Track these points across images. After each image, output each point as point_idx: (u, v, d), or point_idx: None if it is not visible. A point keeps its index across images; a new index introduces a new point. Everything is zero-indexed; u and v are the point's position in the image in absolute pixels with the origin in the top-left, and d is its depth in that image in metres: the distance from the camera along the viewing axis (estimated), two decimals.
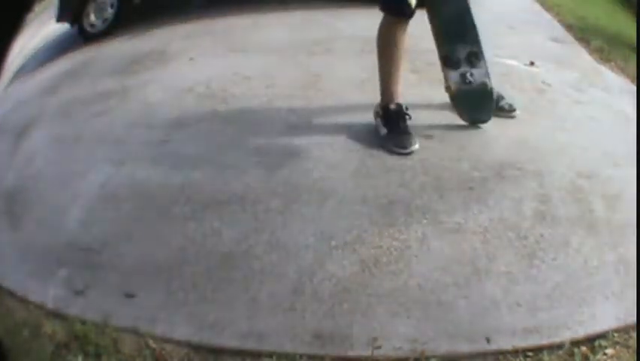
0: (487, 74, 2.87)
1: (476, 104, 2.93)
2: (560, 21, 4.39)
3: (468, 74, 2.87)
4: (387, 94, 2.88)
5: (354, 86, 3.21)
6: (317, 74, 3.35)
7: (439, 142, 2.83)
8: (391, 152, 2.76)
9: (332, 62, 3.51)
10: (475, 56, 2.84)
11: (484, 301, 2.25)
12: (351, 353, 2.12)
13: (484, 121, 2.90)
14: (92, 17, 4.07)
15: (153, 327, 2.19)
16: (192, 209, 2.54)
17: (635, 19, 3.75)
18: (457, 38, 2.86)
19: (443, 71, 2.95)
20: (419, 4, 2.80)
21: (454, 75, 2.90)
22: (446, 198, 2.57)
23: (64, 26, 4.11)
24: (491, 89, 2.87)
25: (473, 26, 2.82)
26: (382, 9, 2.84)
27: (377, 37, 2.85)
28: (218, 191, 2.62)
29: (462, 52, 2.86)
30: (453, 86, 2.93)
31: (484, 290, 2.28)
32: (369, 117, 2.91)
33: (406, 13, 2.80)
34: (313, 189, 2.59)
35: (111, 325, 2.18)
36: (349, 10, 4.00)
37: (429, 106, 3.05)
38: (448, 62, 2.90)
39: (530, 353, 2.12)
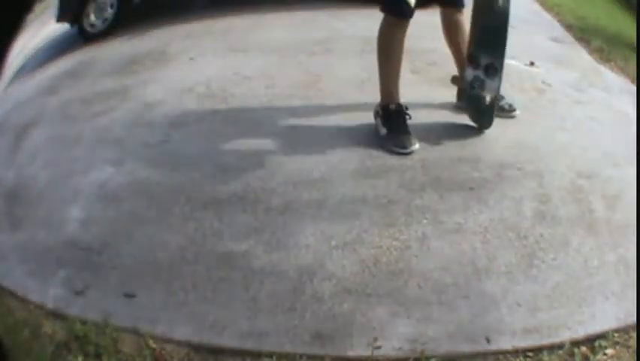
0: (495, 90, 2.87)
1: (476, 110, 2.94)
2: (560, 21, 4.39)
3: (479, 81, 2.88)
4: (387, 94, 2.88)
5: (354, 86, 3.21)
6: (317, 74, 3.35)
7: (439, 142, 2.84)
8: (391, 152, 2.76)
9: (332, 62, 3.51)
10: (494, 69, 2.85)
11: (484, 301, 2.25)
12: (351, 353, 2.12)
13: (483, 127, 2.91)
14: (92, 17, 4.07)
15: (153, 327, 2.19)
16: (192, 209, 2.54)
17: (635, 19, 3.75)
18: (486, 46, 2.87)
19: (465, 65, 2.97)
20: (419, 5, 2.80)
21: (469, 74, 2.92)
22: (446, 198, 2.57)
23: (64, 26, 4.11)
24: (490, 104, 2.87)
25: (503, 43, 2.83)
26: (382, 10, 2.85)
27: (377, 37, 2.86)
28: (218, 190, 2.62)
29: (484, 59, 2.87)
30: (463, 83, 2.94)
31: (484, 290, 2.28)
32: (369, 117, 2.91)
33: (406, 14, 2.81)
34: (313, 189, 2.59)
35: (111, 325, 2.18)
36: (349, 11, 4.00)
37: (429, 106, 3.05)
38: (470, 60, 2.92)
39: (530, 353, 2.12)
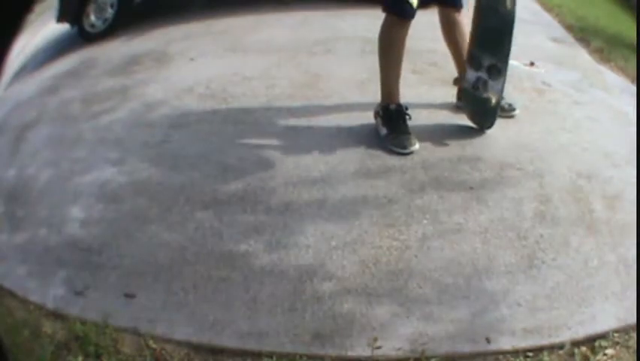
0: (499, 91, 2.86)
1: (478, 110, 2.94)
2: (560, 21, 4.39)
3: (482, 82, 2.87)
4: (387, 94, 2.88)
5: (354, 86, 3.21)
6: (317, 75, 3.35)
7: (439, 142, 2.84)
8: (391, 152, 2.76)
9: (332, 63, 3.51)
10: (497, 71, 2.84)
11: (484, 301, 2.25)
12: (351, 353, 2.12)
13: (484, 128, 2.90)
14: (92, 18, 4.07)
15: (153, 327, 2.19)
16: (192, 209, 2.54)
17: (635, 19, 3.75)
18: (489, 47, 2.86)
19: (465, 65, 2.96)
20: (421, 5, 2.80)
21: (471, 75, 2.91)
22: (446, 198, 2.57)
23: (64, 26, 4.11)
24: (495, 106, 2.87)
25: (508, 45, 2.82)
26: (385, 10, 2.85)
27: (379, 37, 2.86)
28: (218, 191, 2.62)
29: (487, 60, 2.86)
30: (465, 84, 2.94)
31: (484, 290, 2.28)
32: (369, 117, 2.91)
33: (408, 14, 2.81)
34: (313, 189, 2.59)
35: (111, 325, 2.18)
36: (350, 11, 4.00)
37: (429, 106, 3.05)
38: (471, 60, 2.91)
39: (530, 353, 2.12)
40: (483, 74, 2.87)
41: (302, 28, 3.93)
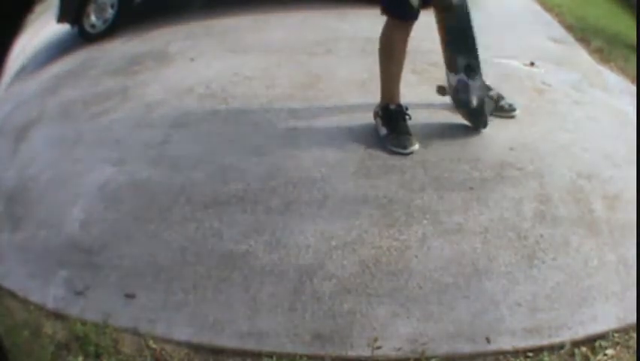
0: (479, 90, 2.86)
1: (466, 113, 2.93)
2: (560, 21, 4.39)
3: (462, 84, 2.87)
4: (387, 94, 2.88)
5: (354, 86, 3.21)
6: (317, 75, 3.35)
7: (439, 142, 2.84)
8: (391, 152, 2.76)
9: (332, 63, 3.51)
10: (472, 69, 2.85)
11: (484, 301, 2.25)
12: (351, 353, 2.12)
13: (479, 128, 2.90)
14: (93, 18, 4.08)
15: (153, 327, 2.19)
16: (192, 209, 2.54)
17: (635, 19, 3.75)
18: (458, 47, 2.87)
19: (446, 72, 2.95)
20: (422, 6, 2.80)
21: (452, 79, 2.91)
22: (446, 198, 2.57)
23: (64, 27, 4.12)
24: (477, 107, 2.86)
25: (472, 41, 2.83)
26: (384, 12, 2.83)
27: (380, 38, 2.85)
28: (218, 191, 2.62)
29: (461, 60, 2.87)
30: (449, 90, 2.94)
31: (484, 290, 2.28)
32: (369, 117, 2.91)
33: (409, 17, 2.80)
34: (313, 189, 2.59)
35: (111, 325, 2.18)
36: (350, 11, 4.00)
37: (429, 106, 3.05)
38: (449, 64, 2.91)
39: (530, 354, 2.12)
40: (462, 77, 2.87)
41: (302, 29, 3.93)
